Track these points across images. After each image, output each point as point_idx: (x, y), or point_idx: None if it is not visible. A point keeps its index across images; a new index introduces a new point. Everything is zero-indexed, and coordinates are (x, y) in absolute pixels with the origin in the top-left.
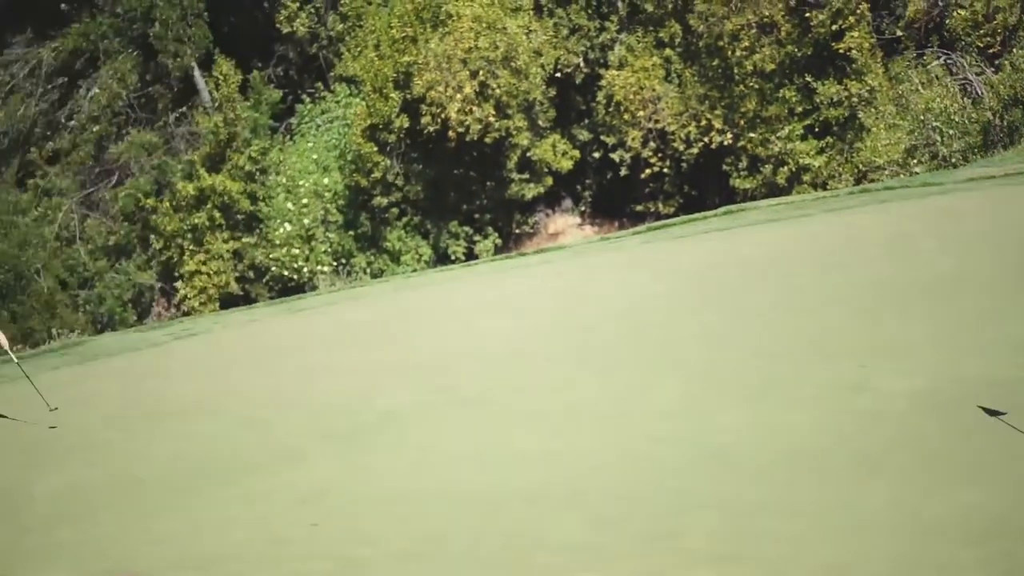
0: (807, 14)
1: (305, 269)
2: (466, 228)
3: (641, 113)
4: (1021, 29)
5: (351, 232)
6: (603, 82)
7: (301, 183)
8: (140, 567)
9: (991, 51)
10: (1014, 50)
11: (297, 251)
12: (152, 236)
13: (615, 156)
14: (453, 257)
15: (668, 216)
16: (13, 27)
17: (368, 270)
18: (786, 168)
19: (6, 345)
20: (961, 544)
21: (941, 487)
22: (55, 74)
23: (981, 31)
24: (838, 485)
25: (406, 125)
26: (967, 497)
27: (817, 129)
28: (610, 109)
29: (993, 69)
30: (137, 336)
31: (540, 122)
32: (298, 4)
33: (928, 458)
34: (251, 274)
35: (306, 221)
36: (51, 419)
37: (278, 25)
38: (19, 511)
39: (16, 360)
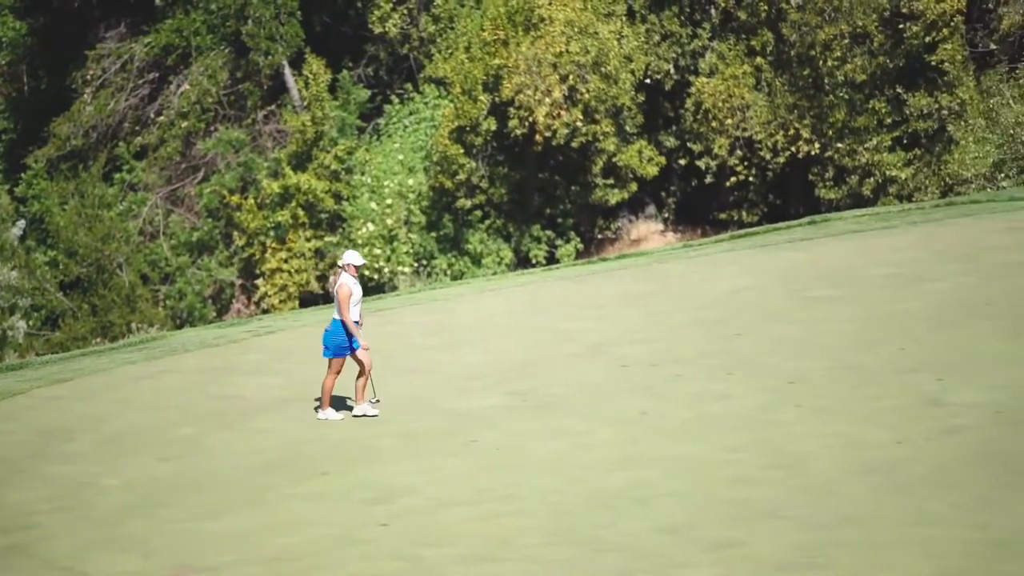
0: (900, 25)
1: (386, 269)
2: (548, 232)
3: (729, 121)
4: None
5: (433, 233)
6: (692, 89)
7: (386, 183)
8: (209, 562)
9: None
10: None
11: (379, 251)
12: (235, 233)
13: (701, 163)
14: (534, 261)
15: (751, 225)
16: (106, 22)
17: (449, 272)
18: (872, 179)
19: None
20: None
21: (1015, 502)
22: (146, 69)
23: None
24: (912, 498)
25: (493, 128)
26: None
27: (905, 141)
28: (698, 116)
29: None
30: (216, 332)
31: (627, 128)
32: (391, 5)
33: (1004, 473)
34: (332, 273)
35: (389, 221)
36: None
37: (370, 25)
38: (92, 503)
39: None
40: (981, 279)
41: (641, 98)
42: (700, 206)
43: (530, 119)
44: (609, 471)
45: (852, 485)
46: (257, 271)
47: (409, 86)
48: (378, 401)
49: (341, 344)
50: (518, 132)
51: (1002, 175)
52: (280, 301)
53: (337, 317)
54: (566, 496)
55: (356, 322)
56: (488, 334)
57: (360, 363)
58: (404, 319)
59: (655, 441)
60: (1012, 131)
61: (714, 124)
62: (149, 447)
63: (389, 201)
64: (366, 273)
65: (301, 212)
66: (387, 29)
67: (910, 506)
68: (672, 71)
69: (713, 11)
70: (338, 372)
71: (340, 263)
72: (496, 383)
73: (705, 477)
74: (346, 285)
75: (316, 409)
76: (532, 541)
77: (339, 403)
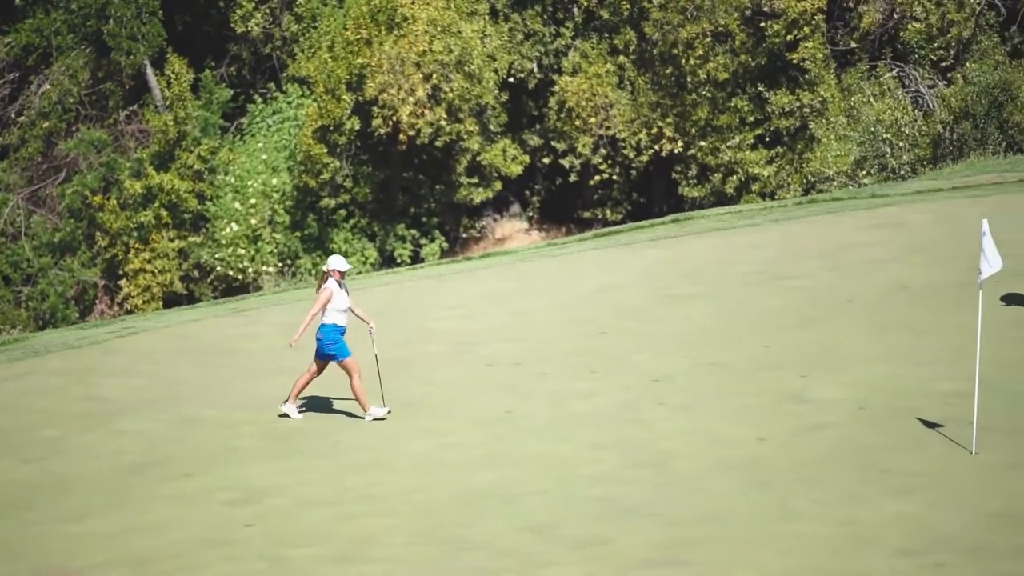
0: (762, 24)
1: (250, 269)
2: (413, 231)
3: (592, 120)
4: (974, 43)
5: (297, 233)
6: (556, 88)
7: (249, 183)
8: (74, 564)
9: (944, 64)
10: (966, 63)
11: (243, 251)
12: (97, 233)
13: (565, 162)
14: (399, 260)
15: (615, 223)
16: None
17: (313, 272)
18: (735, 177)
19: None
20: (895, 555)
21: (877, 498)
22: (6, 69)
23: (935, 44)
24: (775, 495)
25: (357, 127)
26: (902, 508)
27: (768, 139)
28: (562, 115)
29: (945, 82)
30: (79, 333)
31: (491, 127)
32: (253, 4)
33: (865, 469)
34: (196, 273)
35: (253, 221)
36: None
37: (232, 25)
38: None
39: None
40: (843, 276)
41: (505, 97)
42: (564, 205)
43: (394, 118)
44: (474, 470)
45: (715, 482)
46: (120, 272)
47: (272, 85)
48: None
49: (328, 348)
50: (382, 131)
51: (863, 172)
52: (144, 302)
53: (327, 322)
54: (430, 496)
55: (342, 328)
56: (352, 334)
57: (348, 371)
58: (269, 319)
59: (520, 440)
60: (873, 129)
61: (578, 123)
62: (11, 450)
63: (253, 201)
64: (231, 273)
65: (164, 212)
66: (249, 28)
67: (772, 502)
68: (535, 70)
69: (576, 10)
70: (318, 373)
71: (324, 268)
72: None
73: (569, 475)
74: (328, 289)
75: (284, 403)
76: (396, 540)
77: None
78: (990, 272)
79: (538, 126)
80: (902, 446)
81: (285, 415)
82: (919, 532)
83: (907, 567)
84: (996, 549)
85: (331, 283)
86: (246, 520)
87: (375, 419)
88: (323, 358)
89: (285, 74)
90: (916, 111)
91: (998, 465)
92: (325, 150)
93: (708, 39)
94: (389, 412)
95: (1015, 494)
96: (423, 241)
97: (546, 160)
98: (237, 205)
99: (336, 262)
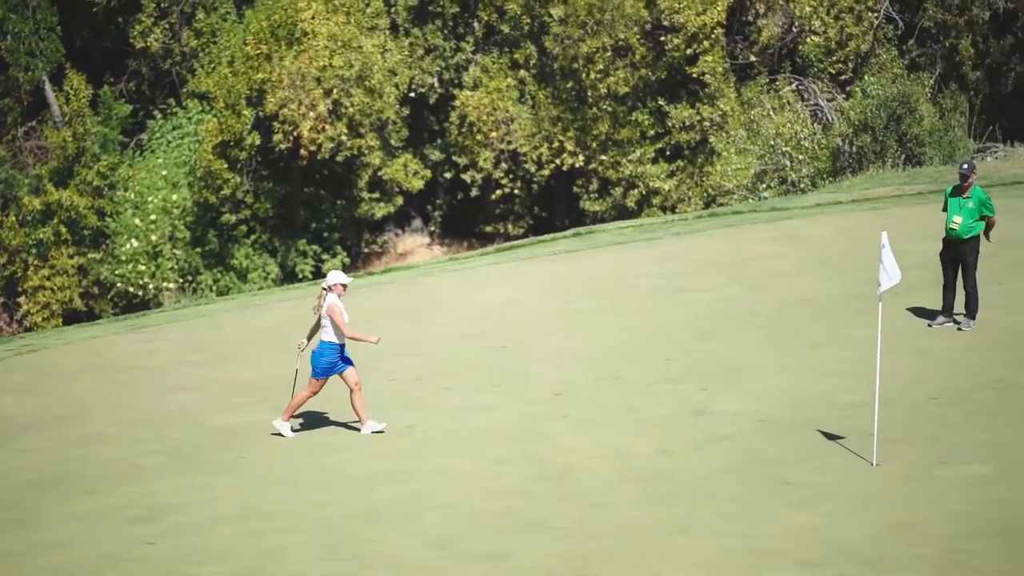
0: (662, 38)
1: (151, 286)
2: (314, 247)
3: (494, 134)
4: (872, 56)
5: (198, 249)
6: (457, 102)
7: (150, 199)
8: None
9: (842, 77)
10: (865, 77)
11: (143, 267)
12: None
13: (466, 177)
14: (300, 275)
15: (517, 237)
16: None
17: (214, 288)
18: (636, 191)
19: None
20: (798, 567)
21: (779, 510)
22: None
23: (833, 58)
24: (678, 508)
25: (257, 142)
26: (804, 519)
27: (668, 152)
28: (463, 130)
29: (844, 95)
30: None
31: (392, 141)
32: (152, 20)
33: (767, 481)
34: (96, 290)
35: (153, 237)
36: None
37: (131, 40)
38: None
39: None
40: (744, 289)
41: (406, 112)
42: (466, 219)
43: (295, 133)
44: (377, 485)
45: (618, 495)
46: (19, 289)
47: (172, 101)
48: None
49: (327, 366)
50: (283, 146)
51: (763, 185)
52: (43, 319)
53: (325, 339)
54: (334, 511)
55: (341, 344)
56: (254, 349)
57: (348, 383)
58: (170, 335)
59: (423, 455)
60: (772, 142)
61: (479, 137)
62: None
63: (153, 217)
64: (131, 290)
65: (64, 229)
66: (149, 44)
67: (675, 515)
68: (436, 84)
69: (476, 24)
70: (316, 392)
71: (325, 285)
72: (263, 399)
73: (473, 490)
74: (336, 306)
75: (276, 422)
76: (300, 557)
77: (319, 423)
78: (889, 284)
79: (439, 141)
80: (803, 458)
81: (278, 433)
82: (821, 544)
83: None
84: (897, 559)
85: (333, 298)
86: (149, 538)
87: (374, 432)
88: (322, 375)
89: (185, 89)
90: (815, 124)
91: (898, 476)
92: (225, 165)
93: (608, 53)
94: (384, 427)
95: (915, 505)
96: (325, 256)
97: (447, 175)
98: (137, 221)
99: (339, 276)
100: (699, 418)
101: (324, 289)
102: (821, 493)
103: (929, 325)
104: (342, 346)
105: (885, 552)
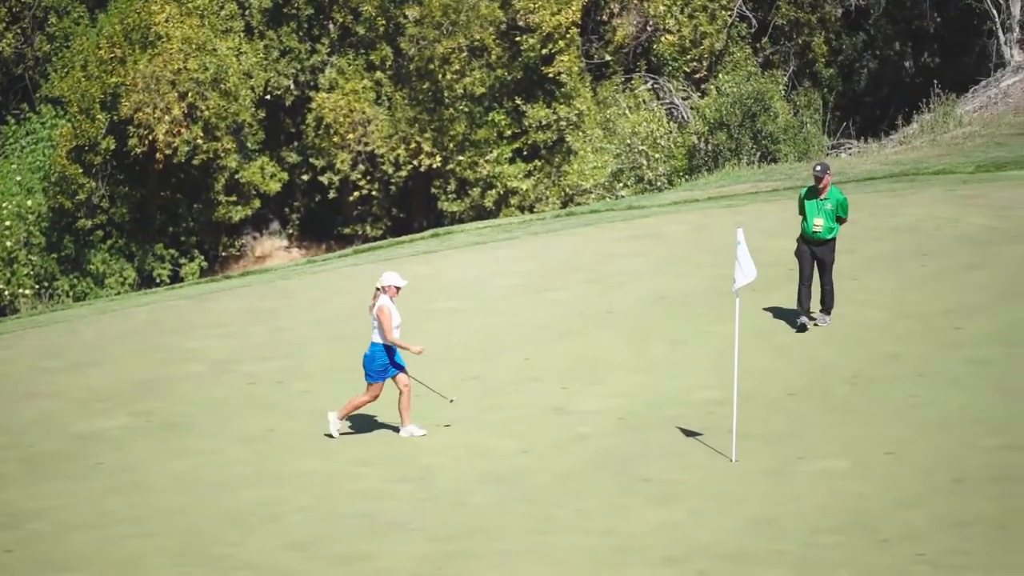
0: (517, 38)
1: (6, 292)
2: (171, 251)
3: (351, 136)
4: (726, 54)
5: (54, 255)
6: (313, 104)
7: (4, 205)
8: None
9: (697, 76)
10: (719, 75)
11: None
12: None
13: (324, 179)
14: (158, 280)
15: (376, 239)
16: None
17: (71, 293)
18: (494, 191)
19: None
20: (659, 563)
21: (639, 507)
22: None
23: (688, 56)
24: (539, 506)
25: (113, 147)
26: (664, 516)
27: (525, 152)
28: (319, 132)
29: (699, 93)
30: None
31: (249, 144)
32: (4, 24)
33: (626, 479)
34: None
35: (8, 244)
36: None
37: None
38: None
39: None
40: (602, 288)
41: (262, 114)
42: (324, 221)
43: (150, 137)
44: (237, 489)
45: (479, 495)
46: None
47: (25, 106)
48: (453, 401)
49: (380, 369)
50: (138, 150)
51: (620, 184)
52: None
53: (377, 341)
54: (195, 516)
55: (394, 348)
56: (112, 355)
57: (399, 387)
58: (26, 342)
59: (283, 458)
60: (629, 141)
61: (336, 139)
62: None
63: (8, 223)
64: None
65: None
66: (1, 49)
67: (536, 514)
68: (292, 87)
69: (331, 26)
70: (376, 397)
71: (379, 284)
72: (121, 404)
73: (333, 492)
74: (387, 307)
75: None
76: (161, 563)
77: (364, 425)
78: (745, 281)
79: (296, 143)
80: (663, 455)
81: (409, 435)
82: (681, 540)
83: (670, 575)
84: (757, 555)
85: (385, 300)
86: (7, 546)
87: (412, 436)
88: (377, 379)
89: (38, 95)
90: (671, 123)
91: (757, 472)
92: (80, 170)
93: (464, 54)
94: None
95: (774, 500)
96: (182, 260)
97: (305, 177)
98: None
99: (393, 278)
100: (559, 417)
101: (377, 289)
102: (681, 490)
103: (802, 327)
104: (394, 349)
105: (746, 547)
